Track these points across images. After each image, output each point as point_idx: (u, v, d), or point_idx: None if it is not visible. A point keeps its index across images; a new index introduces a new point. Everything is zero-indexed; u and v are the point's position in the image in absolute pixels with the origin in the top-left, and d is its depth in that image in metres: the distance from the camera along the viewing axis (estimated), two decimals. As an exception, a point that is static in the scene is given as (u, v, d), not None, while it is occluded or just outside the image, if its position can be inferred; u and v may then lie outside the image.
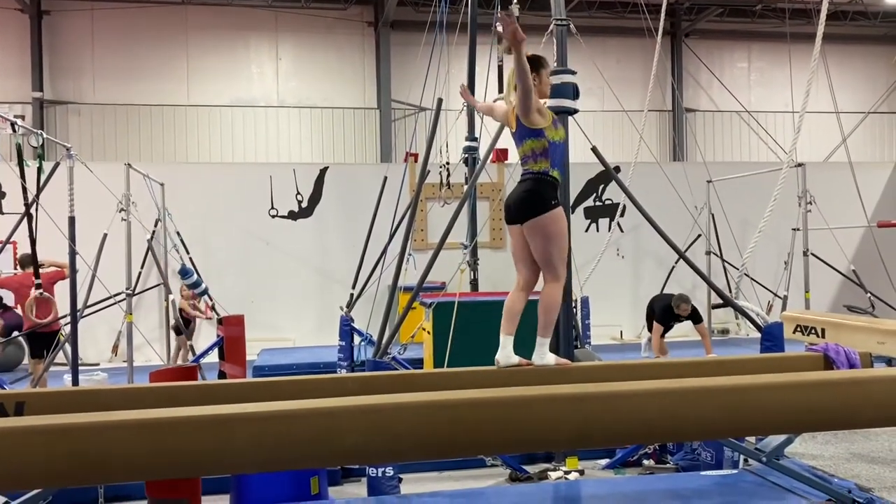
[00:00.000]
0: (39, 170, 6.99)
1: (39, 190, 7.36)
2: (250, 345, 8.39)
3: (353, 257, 9.84)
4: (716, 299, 10.67)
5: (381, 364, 5.71)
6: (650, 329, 8.52)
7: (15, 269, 9.75)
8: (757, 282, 11.72)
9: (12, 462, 2.24)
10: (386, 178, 9.58)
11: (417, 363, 7.51)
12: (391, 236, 8.95)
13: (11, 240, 8.59)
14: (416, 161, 11.35)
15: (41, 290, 7.56)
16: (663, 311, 8.11)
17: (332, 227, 12.36)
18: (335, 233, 12.28)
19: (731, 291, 11.76)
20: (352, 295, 9.36)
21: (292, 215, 12.46)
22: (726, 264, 12.09)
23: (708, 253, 12.27)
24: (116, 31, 15.37)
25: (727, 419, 3.04)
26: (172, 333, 10.21)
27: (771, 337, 5.88)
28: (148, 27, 15.44)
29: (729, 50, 17.81)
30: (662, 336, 8.06)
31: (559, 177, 3.75)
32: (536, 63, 3.74)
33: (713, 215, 12.08)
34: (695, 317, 8.07)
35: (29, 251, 7.73)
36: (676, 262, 11.03)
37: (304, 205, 12.50)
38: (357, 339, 8.77)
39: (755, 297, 11.45)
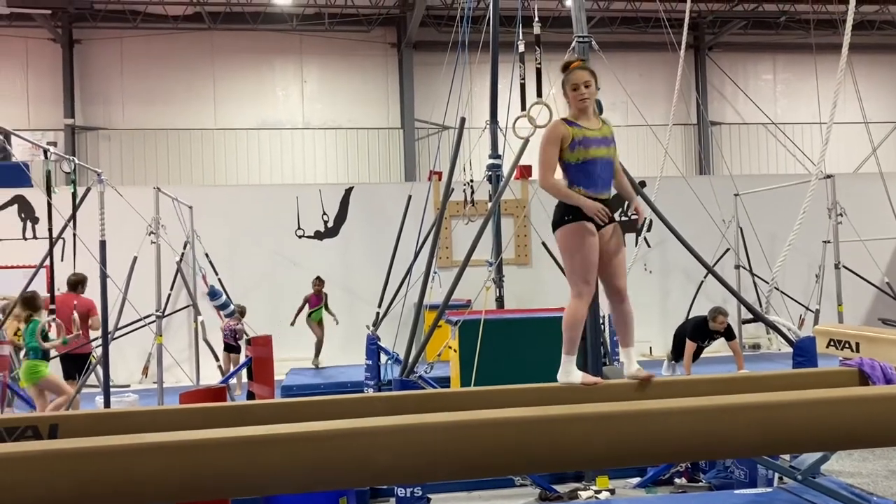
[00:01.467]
0: (74, 195, 7.13)
1: (73, 214, 7.50)
2: (278, 365, 8.44)
3: (379, 276, 9.88)
4: (746, 314, 10.53)
5: (408, 383, 5.71)
6: (675, 357, 8.38)
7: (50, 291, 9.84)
8: (788, 295, 11.55)
9: (47, 485, 2.27)
10: (410, 197, 9.62)
11: (444, 382, 7.49)
12: (416, 254, 8.98)
13: (45, 264, 8.74)
14: (439, 179, 11.39)
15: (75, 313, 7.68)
16: (697, 328, 7.96)
17: (357, 247, 12.43)
18: (361, 252, 12.34)
19: (761, 306, 11.60)
20: (378, 314, 9.38)
21: (319, 235, 12.55)
22: (756, 278, 11.94)
23: (737, 267, 12.12)
24: (144, 58, 15.70)
25: (760, 436, 2.99)
26: (219, 353, 10.47)
27: (803, 352, 5.77)
28: (175, 53, 15.76)
29: (753, 62, 17.71)
30: (695, 358, 7.93)
31: (585, 192, 3.71)
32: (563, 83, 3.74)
33: (741, 229, 11.94)
34: (728, 333, 7.94)
35: (76, 273, 7.90)
36: (705, 277, 10.92)
37: (331, 225, 12.59)
38: (384, 357, 8.78)
39: (786, 311, 11.28)
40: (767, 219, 11.60)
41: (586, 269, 3.63)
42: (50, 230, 7.08)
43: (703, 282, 11.44)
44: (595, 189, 3.70)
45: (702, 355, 8.33)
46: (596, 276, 3.68)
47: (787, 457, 4.63)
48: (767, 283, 7.78)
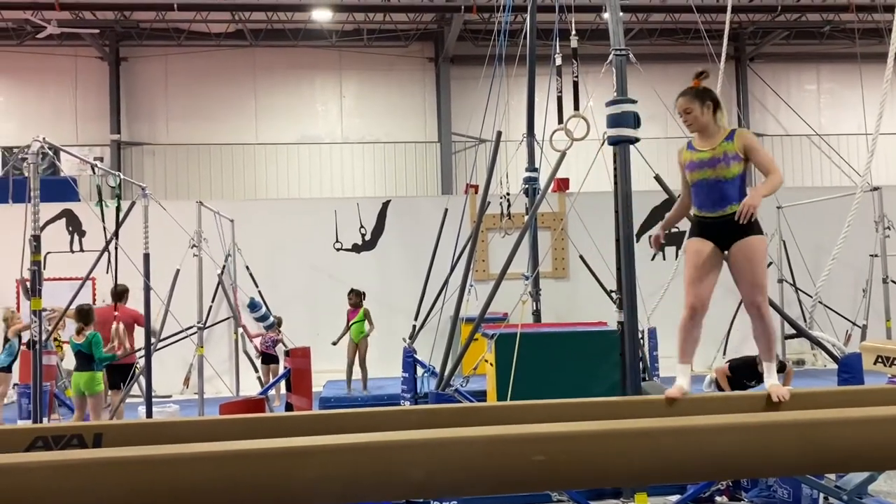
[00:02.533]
0: (118, 209, 7.32)
1: (117, 228, 7.69)
2: (316, 376, 8.50)
3: (416, 289, 9.91)
4: (789, 329, 10.29)
5: (445, 396, 5.71)
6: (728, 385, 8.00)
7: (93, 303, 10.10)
8: (833, 310, 11.27)
9: (92, 493, 2.32)
10: (447, 210, 9.66)
11: (480, 395, 7.47)
12: (452, 267, 8.99)
13: (91, 276, 8.96)
14: (476, 192, 11.41)
15: (120, 323, 7.86)
16: (745, 366, 7.44)
17: (394, 260, 12.49)
18: (397, 265, 12.40)
19: (805, 321, 11.33)
20: (414, 326, 9.40)
21: (356, 248, 12.66)
22: (800, 293, 11.69)
23: (780, 281, 11.88)
24: (188, 75, 16.06)
25: (804, 455, 2.92)
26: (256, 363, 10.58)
27: (849, 368, 5.63)
28: (217, 69, 16.09)
29: (796, 72, 17.42)
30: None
31: (696, 212, 3.87)
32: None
33: (784, 242, 11.72)
34: (780, 369, 7.55)
35: (119, 284, 8.09)
36: (746, 291, 10.70)
37: (368, 238, 12.69)
38: (420, 370, 8.79)
39: (831, 326, 11.01)
40: (811, 232, 11.37)
41: (686, 282, 3.87)
42: (110, 240, 7.25)
43: (744, 296, 11.23)
44: (701, 208, 3.84)
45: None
46: (694, 288, 3.84)
47: (832, 476, 4.51)
48: (811, 297, 7.60)
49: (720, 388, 7.78)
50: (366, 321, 9.70)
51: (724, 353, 10.62)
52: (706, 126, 3.74)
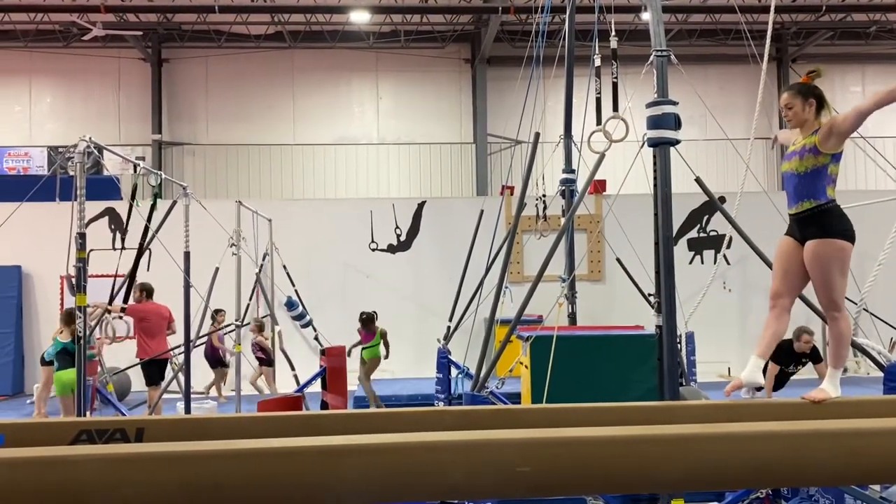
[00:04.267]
0: (152, 207, 7.44)
1: (158, 227, 7.83)
2: (351, 375, 8.56)
3: (450, 290, 9.92)
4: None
5: (479, 398, 5.70)
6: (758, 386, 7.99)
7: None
8: (878, 318, 10.99)
9: (135, 486, 2.37)
10: (482, 212, 9.64)
11: (515, 398, 7.44)
12: (487, 269, 8.97)
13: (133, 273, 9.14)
14: (511, 194, 11.37)
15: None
16: (780, 350, 7.56)
17: (429, 260, 12.52)
18: (432, 265, 12.42)
19: (848, 327, 11.07)
20: (449, 327, 9.40)
21: (391, 249, 12.71)
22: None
23: (822, 286, 11.61)
24: (228, 76, 16.30)
25: (847, 465, 2.85)
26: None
27: (895, 377, 5.49)
28: (257, 71, 16.30)
29: (840, 73, 17.04)
30: (782, 384, 7.57)
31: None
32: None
33: (827, 246, 11.46)
34: (815, 355, 7.57)
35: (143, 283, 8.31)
36: (787, 296, 10.50)
37: (403, 238, 12.73)
38: (454, 371, 8.79)
39: (876, 334, 10.74)
40: (857, 237, 11.10)
41: (773, 277, 3.78)
42: (151, 239, 7.40)
43: (785, 301, 11.02)
44: (789, 204, 3.73)
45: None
46: (775, 281, 3.75)
47: (877, 487, 4.40)
48: (856, 304, 7.43)
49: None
50: (381, 344, 9.30)
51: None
52: (805, 123, 3.69)
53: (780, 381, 7.58)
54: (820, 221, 3.55)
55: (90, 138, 5.68)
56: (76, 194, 5.48)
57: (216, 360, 10.46)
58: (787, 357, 7.50)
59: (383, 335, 9.31)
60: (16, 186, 11.35)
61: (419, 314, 12.37)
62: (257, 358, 10.54)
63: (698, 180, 6.48)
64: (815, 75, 3.76)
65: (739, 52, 8.79)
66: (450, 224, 12.41)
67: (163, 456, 2.40)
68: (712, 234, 12.65)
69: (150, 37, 16.02)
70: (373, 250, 12.68)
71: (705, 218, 12.70)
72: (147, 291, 8.51)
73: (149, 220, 7.43)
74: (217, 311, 10.09)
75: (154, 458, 2.40)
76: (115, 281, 8.02)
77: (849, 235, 3.62)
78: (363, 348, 9.31)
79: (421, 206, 12.86)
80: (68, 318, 7.48)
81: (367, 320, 9.34)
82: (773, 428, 2.92)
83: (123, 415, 7.28)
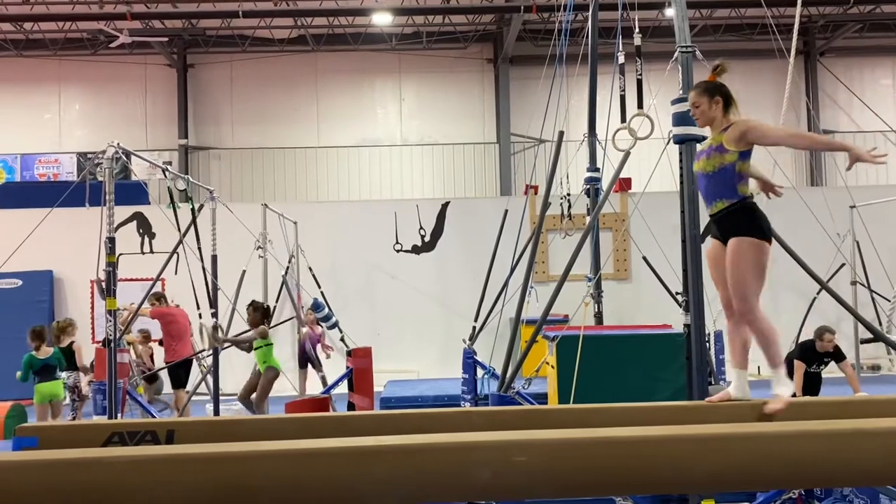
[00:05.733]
0: (192, 211, 7.54)
1: (185, 231, 7.92)
2: (376, 376, 8.59)
3: (475, 290, 9.90)
4: (864, 333, 9.91)
5: (506, 398, 5.68)
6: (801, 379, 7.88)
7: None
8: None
9: (166, 488, 2.39)
10: (507, 211, 9.61)
11: (541, 398, 7.40)
12: (512, 269, 8.94)
13: (161, 277, 9.25)
14: (535, 193, 11.33)
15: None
16: (803, 349, 7.53)
17: (453, 261, 12.51)
18: (457, 266, 12.41)
19: (881, 324, 10.88)
20: (474, 327, 9.39)
21: (416, 249, 12.73)
22: (875, 295, 11.22)
23: (853, 283, 11.43)
24: (252, 80, 16.43)
25: (886, 464, 2.80)
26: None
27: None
28: (281, 74, 16.41)
29: (870, 67, 16.75)
30: (813, 389, 7.46)
31: None
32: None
33: (858, 242, 11.27)
34: (838, 354, 7.48)
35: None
36: (818, 294, 10.35)
37: (427, 239, 12.75)
38: (480, 372, 8.77)
39: (910, 330, 10.55)
40: (888, 232, 10.90)
41: (715, 287, 3.76)
42: (199, 238, 7.46)
43: (815, 299, 10.86)
44: (706, 205, 3.68)
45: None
46: (719, 290, 3.69)
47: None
48: (888, 300, 7.31)
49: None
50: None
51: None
52: (714, 121, 3.62)
53: (812, 383, 7.47)
54: (734, 220, 3.46)
55: (118, 144, 5.76)
56: (105, 199, 5.56)
57: (307, 358, 10.51)
58: (811, 356, 7.42)
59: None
60: (47, 192, 11.55)
61: (444, 315, 12.38)
62: (315, 354, 10.48)
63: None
64: (721, 70, 3.70)
65: (765, 47, 8.66)
66: (474, 224, 12.40)
67: (193, 457, 2.43)
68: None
69: (176, 43, 16.20)
70: (397, 251, 12.71)
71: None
72: (163, 299, 8.67)
73: (176, 223, 7.52)
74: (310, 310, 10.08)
75: (185, 459, 2.43)
76: (153, 284, 8.16)
77: (763, 233, 3.50)
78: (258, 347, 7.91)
79: (445, 206, 12.87)
80: (38, 335, 7.85)
81: (256, 309, 7.86)
82: (808, 427, 2.89)
83: (153, 417, 7.36)
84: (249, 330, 7.82)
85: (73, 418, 7.90)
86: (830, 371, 9.40)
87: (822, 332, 7.35)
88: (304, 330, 10.18)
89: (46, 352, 7.89)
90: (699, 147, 3.69)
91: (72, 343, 8.23)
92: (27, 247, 6.54)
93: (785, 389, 3.44)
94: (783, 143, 3.61)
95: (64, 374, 8.07)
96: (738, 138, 3.48)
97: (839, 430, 2.86)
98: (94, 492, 2.39)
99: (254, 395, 7.80)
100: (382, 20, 15.62)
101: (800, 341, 7.94)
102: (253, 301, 7.94)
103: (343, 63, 16.49)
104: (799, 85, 15.86)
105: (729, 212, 3.50)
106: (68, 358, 8.13)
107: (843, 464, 2.81)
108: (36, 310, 12.14)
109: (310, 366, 10.47)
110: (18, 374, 7.85)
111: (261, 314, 7.65)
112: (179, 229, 7.70)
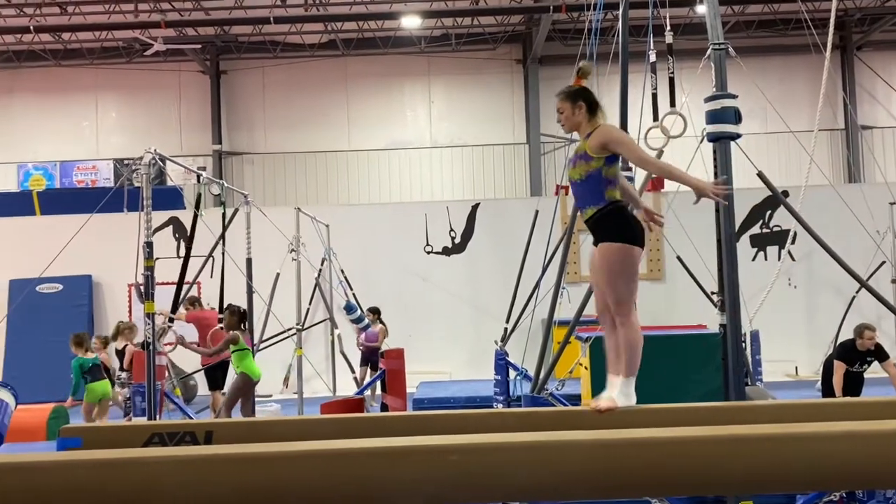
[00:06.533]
0: (225, 216, 7.65)
1: (221, 235, 8.03)
2: (409, 377, 8.61)
3: (506, 291, 9.88)
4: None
5: (540, 400, 5.67)
6: (825, 393, 7.71)
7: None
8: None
9: (205, 487, 2.44)
10: (537, 212, 9.58)
11: (574, 399, 7.36)
12: (544, 270, 8.91)
13: (197, 280, 9.40)
14: (566, 193, 11.26)
15: (221, 325, 8.23)
16: (843, 349, 7.36)
17: (484, 262, 12.50)
18: (488, 267, 12.40)
19: (923, 324, 10.62)
20: (506, 329, 9.37)
21: (446, 251, 12.74)
22: (917, 294, 10.97)
23: (894, 281, 11.19)
24: (284, 85, 16.61)
25: (929, 467, 2.74)
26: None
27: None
28: (312, 79, 16.57)
29: (908, 60, 16.39)
30: (854, 390, 7.31)
31: None
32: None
33: (898, 240, 11.04)
34: (880, 353, 7.31)
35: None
36: (857, 292, 10.15)
37: (458, 241, 12.75)
38: (512, 373, 8.75)
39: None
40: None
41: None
42: (215, 246, 7.57)
43: (854, 297, 10.64)
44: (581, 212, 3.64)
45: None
46: (601, 298, 3.59)
47: (959, 490, 4.20)
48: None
49: (826, 387, 7.48)
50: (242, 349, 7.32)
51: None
52: (579, 126, 3.59)
53: (853, 383, 7.30)
54: (602, 226, 3.43)
55: (155, 150, 5.86)
56: (143, 204, 5.66)
57: (367, 358, 10.51)
58: (852, 356, 7.24)
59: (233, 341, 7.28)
60: (85, 199, 11.79)
61: (475, 316, 12.36)
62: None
63: (760, 175, 6.30)
64: (583, 73, 3.62)
65: (800, 42, 8.52)
66: (504, 225, 12.37)
67: (232, 457, 2.47)
68: (776, 229, 12.30)
69: (209, 50, 16.45)
70: (428, 253, 12.74)
71: (768, 213, 12.37)
72: (197, 303, 8.81)
73: (223, 230, 7.62)
74: (371, 310, 10.20)
75: (223, 459, 2.47)
76: (189, 288, 8.31)
77: (630, 237, 3.45)
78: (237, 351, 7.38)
79: (475, 207, 12.87)
80: (80, 342, 8.03)
81: (233, 313, 7.40)
82: (850, 428, 2.83)
83: (191, 418, 7.47)
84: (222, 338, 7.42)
85: (128, 418, 8.10)
86: (873, 371, 9.21)
87: (862, 329, 7.19)
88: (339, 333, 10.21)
89: (90, 354, 8.10)
90: (570, 153, 3.66)
91: (125, 346, 8.46)
92: (67, 252, 6.68)
93: (622, 399, 3.34)
94: (636, 165, 3.57)
95: (125, 375, 8.32)
96: (599, 147, 3.48)
97: (882, 430, 2.81)
98: (134, 490, 2.44)
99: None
100: (411, 23, 15.68)
101: (839, 342, 7.76)
102: (230, 305, 7.59)
103: (373, 67, 16.59)
104: (835, 80, 15.57)
105: (598, 217, 3.47)
106: (120, 359, 8.38)
107: (886, 465, 2.75)
108: (76, 314, 12.39)
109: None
110: (72, 381, 8.04)
111: (237, 318, 7.27)
112: (214, 234, 7.80)
